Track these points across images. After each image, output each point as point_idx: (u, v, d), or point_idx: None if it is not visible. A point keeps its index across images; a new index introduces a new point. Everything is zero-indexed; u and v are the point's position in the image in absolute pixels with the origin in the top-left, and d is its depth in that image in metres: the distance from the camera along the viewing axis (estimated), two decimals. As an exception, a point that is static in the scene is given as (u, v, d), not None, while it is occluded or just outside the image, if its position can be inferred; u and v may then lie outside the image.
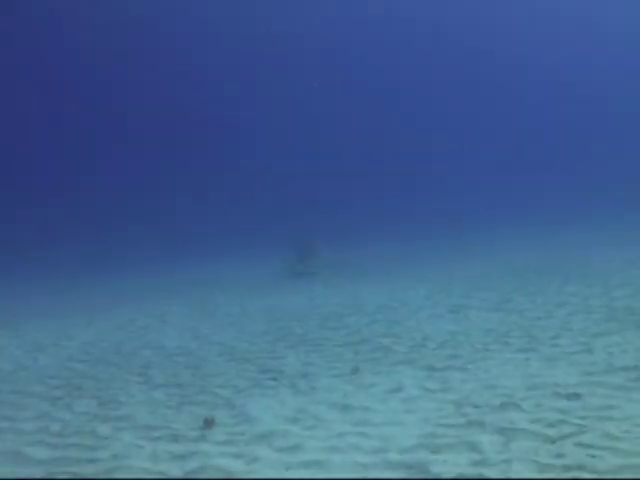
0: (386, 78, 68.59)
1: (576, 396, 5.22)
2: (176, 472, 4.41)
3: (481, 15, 67.77)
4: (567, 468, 3.92)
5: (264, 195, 50.51)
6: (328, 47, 65.47)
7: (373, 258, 22.61)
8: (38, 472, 4.59)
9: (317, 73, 65.01)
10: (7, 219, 42.13)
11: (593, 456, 4.03)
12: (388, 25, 68.01)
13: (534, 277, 12.85)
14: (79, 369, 8.14)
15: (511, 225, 29.16)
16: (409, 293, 12.44)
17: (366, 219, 37.87)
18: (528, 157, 56.23)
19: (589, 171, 45.94)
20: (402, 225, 34.28)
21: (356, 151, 61.42)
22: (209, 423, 5.26)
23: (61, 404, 6.44)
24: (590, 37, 67.99)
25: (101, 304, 16.20)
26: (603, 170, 44.86)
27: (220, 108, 64.04)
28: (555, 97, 66.11)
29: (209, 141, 61.76)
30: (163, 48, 61.12)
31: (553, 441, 4.36)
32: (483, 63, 68.99)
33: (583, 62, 67.24)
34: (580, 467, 3.91)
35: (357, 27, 65.78)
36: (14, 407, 6.45)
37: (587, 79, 66.73)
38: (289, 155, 59.01)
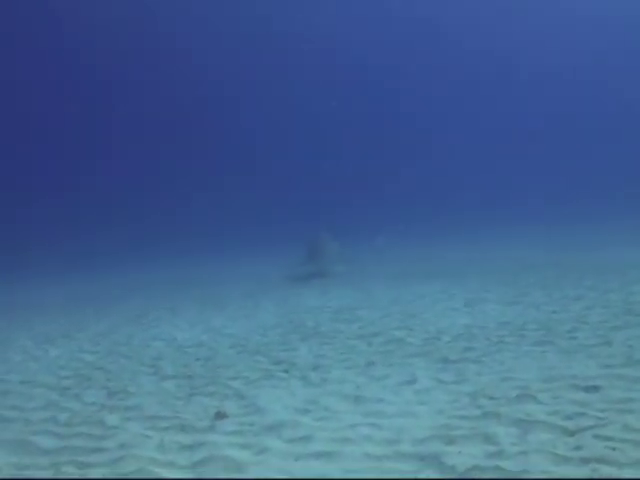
0: (389, 77, 68.44)
1: (595, 389, 5.07)
2: (184, 462, 4.30)
3: (481, 14, 67.60)
4: (586, 460, 3.79)
5: (279, 192, 50.50)
6: (329, 46, 65.34)
7: (386, 256, 22.51)
8: (44, 461, 4.50)
9: (319, 71, 65.05)
10: (19, 216, 42.36)
11: (613, 449, 3.89)
12: (388, 24, 67.84)
13: (550, 272, 12.69)
14: (89, 360, 8.06)
15: (527, 223, 28.92)
16: (423, 288, 12.30)
17: (378, 217, 37.71)
18: (540, 155, 55.84)
19: (603, 169, 45.54)
20: (416, 223, 34.11)
21: (364, 150, 61.35)
22: (220, 416, 5.15)
23: (70, 394, 6.36)
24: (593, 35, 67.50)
25: (112, 297, 16.16)
26: (616, 168, 44.46)
27: (227, 107, 64.06)
28: (564, 94, 65.63)
29: (218, 140, 61.81)
30: (164, 47, 61.20)
31: (571, 433, 4.22)
32: (485, 62, 68.75)
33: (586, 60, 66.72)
34: (599, 459, 3.77)
35: (357, 26, 65.65)
36: (22, 397, 6.38)
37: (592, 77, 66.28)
38: (298, 154, 59.01)
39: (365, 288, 13.21)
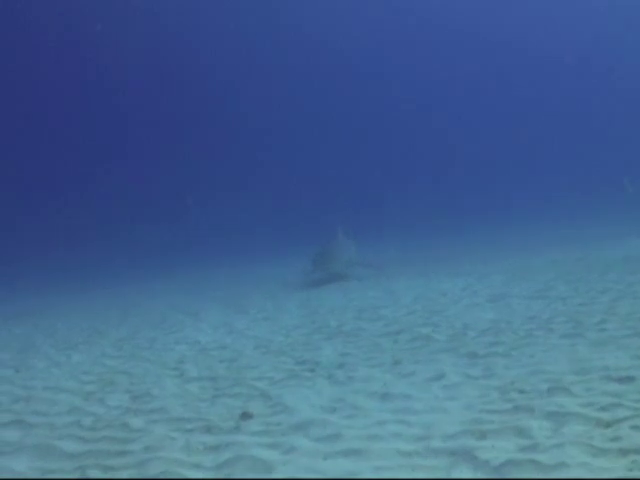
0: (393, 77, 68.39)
1: (629, 379, 4.94)
2: (210, 463, 4.23)
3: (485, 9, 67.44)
4: (624, 452, 3.67)
5: (297, 192, 50.43)
6: (337, 41, 65.28)
7: (407, 255, 22.40)
8: (69, 465, 4.44)
9: (326, 72, 65.17)
10: (38, 220, 42.58)
11: (652, 439, 3.77)
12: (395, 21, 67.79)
13: (573, 267, 12.52)
14: (112, 365, 8.02)
15: (547, 220, 28.65)
16: (446, 285, 12.19)
17: (396, 216, 37.59)
18: (553, 148, 55.44)
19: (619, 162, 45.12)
20: (434, 221, 33.94)
21: (381, 147, 61.33)
22: (246, 416, 5.07)
23: (93, 399, 6.30)
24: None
25: (134, 302, 16.16)
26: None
27: (239, 107, 64.03)
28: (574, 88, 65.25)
29: (233, 141, 61.89)
30: (173, 44, 61.30)
31: (607, 425, 4.10)
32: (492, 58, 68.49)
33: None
34: (638, 451, 3.66)
35: (368, 28, 65.72)
36: (46, 402, 6.33)
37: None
38: (313, 156, 59.00)
39: (387, 287, 13.11)
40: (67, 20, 56.42)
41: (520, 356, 6.10)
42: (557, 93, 64.28)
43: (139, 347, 9.14)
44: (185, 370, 7.19)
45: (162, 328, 10.85)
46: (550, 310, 8.15)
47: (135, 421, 5.31)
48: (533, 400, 4.73)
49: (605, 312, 7.62)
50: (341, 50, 65.22)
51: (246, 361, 7.34)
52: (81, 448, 4.78)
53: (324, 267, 16.16)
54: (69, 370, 7.96)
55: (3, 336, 12.08)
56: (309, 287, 15.05)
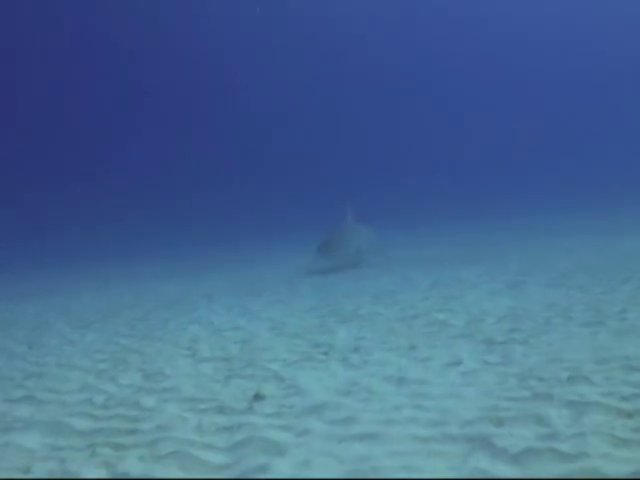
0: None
1: (651, 369, 4.83)
2: (222, 444, 4.15)
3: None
4: (647, 443, 3.57)
5: (316, 177, 50.46)
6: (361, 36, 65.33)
7: (422, 240, 22.28)
8: (79, 443, 4.38)
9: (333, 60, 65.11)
10: (50, 201, 42.71)
11: (676, 430, 3.66)
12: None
13: (593, 256, 12.36)
14: (125, 344, 7.97)
15: (565, 210, 28.41)
16: (462, 272, 12.07)
17: (415, 202, 37.45)
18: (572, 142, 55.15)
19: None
20: (454, 209, 33.76)
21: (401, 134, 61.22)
22: (259, 397, 5.00)
23: (106, 377, 6.25)
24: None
25: (148, 283, 16.14)
26: None
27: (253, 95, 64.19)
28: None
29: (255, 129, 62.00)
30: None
31: (629, 415, 3.99)
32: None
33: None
34: (662, 442, 3.55)
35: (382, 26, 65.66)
36: (58, 380, 6.29)
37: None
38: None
39: (402, 273, 13.01)
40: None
41: (539, 343, 5.99)
42: (591, 85, 63.98)
43: (152, 327, 9.09)
44: (198, 350, 7.13)
45: (176, 309, 10.80)
46: (569, 298, 8.02)
47: (147, 400, 5.25)
48: (552, 388, 4.62)
49: (626, 301, 7.49)
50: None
51: (260, 342, 7.27)
52: (92, 426, 4.72)
53: (330, 255, 14.90)
54: (82, 348, 7.92)
55: (17, 314, 12.08)
56: (324, 271, 14.96)
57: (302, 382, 5.38)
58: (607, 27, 67.46)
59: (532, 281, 9.75)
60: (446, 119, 65.24)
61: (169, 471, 3.81)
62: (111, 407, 5.18)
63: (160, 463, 3.93)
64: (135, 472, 3.81)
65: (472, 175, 49.10)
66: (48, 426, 4.75)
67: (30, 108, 58.20)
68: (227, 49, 64.84)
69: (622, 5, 65.75)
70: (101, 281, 18.40)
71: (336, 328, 7.66)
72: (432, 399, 4.67)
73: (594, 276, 9.63)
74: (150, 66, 62.61)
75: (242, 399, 5.07)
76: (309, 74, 65.96)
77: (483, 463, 3.56)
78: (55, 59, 59.20)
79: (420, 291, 10.02)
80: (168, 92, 62.50)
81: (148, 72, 62.89)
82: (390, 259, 16.06)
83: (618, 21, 66.35)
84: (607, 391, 4.45)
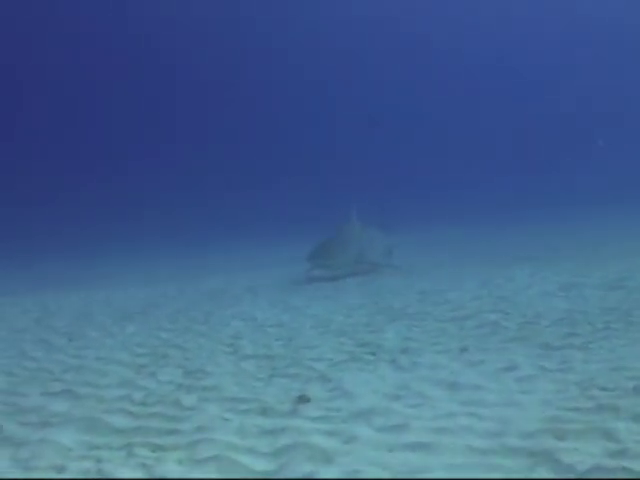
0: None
1: None
2: (265, 448, 3.92)
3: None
4: None
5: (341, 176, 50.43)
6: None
7: (470, 238, 21.94)
8: (116, 441, 4.19)
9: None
10: (98, 193, 43.13)
11: None
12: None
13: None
14: (165, 338, 7.82)
15: (621, 208, 27.72)
16: (512, 271, 11.71)
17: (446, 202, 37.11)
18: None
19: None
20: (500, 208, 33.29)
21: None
22: (304, 400, 4.75)
23: (145, 372, 6.08)
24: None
25: (191, 276, 16.07)
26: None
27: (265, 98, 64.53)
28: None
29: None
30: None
31: None
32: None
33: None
34: None
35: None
36: (97, 373, 6.14)
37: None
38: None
39: (450, 271, 12.71)
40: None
41: (599, 350, 5.65)
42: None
43: (194, 320, 8.94)
44: (240, 347, 6.93)
45: (218, 302, 10.65)
46: (630, 301, 7.61)
47: (187, 398, 5.05)
48: (618, 399, 4.30)
49: (691, 306, 7.10)
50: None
51: (304, 340, 7.05)
52: (130, 424, 4.54)
53: (322, 263, 13.00)
54: (122, 341, 7.78)
55: (60, 304, 12.05)
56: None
57: (349, 384, 5.12)
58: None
59: (587, 283, 9.35)
60: (477, 116, 64.90)
61: (208, 476, 3.61)
62: (150, 405, 4.99)
63: (199, 467, 3.72)
64: (173, 476, 3.61)
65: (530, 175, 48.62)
66: (85, 422, 4.58)
67: (66, 105, 59.25)
68: (235, 50, 65.66)
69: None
70: (147, 272, 18.40)
71: (384, 327, 7.40)
72: (487, 407, 4.39)
73: (653, 279, 9.22)
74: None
75: (286, 400, 4.83)
76: (331, 75, 66.54)
77: (548, 481, 3.28)
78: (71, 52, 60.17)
79: (469, 290, 9.71)
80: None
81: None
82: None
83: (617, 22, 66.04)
84: (678, 404, 4.13)
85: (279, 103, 65.71)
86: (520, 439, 3.77)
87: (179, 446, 4.04)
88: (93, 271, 19.40)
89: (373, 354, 6.13)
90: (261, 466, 3.69)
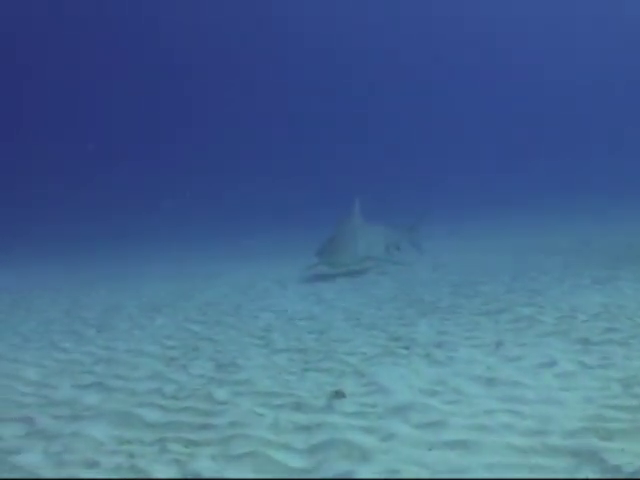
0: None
1: None
2: (300, 445, 3.84)
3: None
4: None
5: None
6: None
7: (497, 231, 21.71)
8: (149, 436, 4.13)
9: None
10: (128, 187, 43.39)
11: None
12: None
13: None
14: (195, 330, 7.77)
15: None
16: (545, 263, 11.55)
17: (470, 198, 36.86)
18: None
19: None
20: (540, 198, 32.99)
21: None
22: (339, 395, 4.65)
23: (176, 365, 6.02)
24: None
25: (220, 268, 16.03)
26: None
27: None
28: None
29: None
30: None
31: None
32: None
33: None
34: None
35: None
36: (127, 366, 6.09)
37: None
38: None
39: (480, 261, 12.56)
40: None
41: (640, 345, 5.50)
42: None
43: (224, 313, 8.88)
44: (272, 340, 6.85)
45: (248, 294, 10.60)
46: (670, 296, 7.45)
47: (220, 392, 4.97)
48: (664, 397, 4.17)
49: None
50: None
51: (336, 333, 6.95)
52: (162, 418, 4.47)
53: (328, 260, 12.48)
54: (152, 333, 7.75)
55: (91, 296, 12.07)
56: (397, 261, 14.58)
57: (384, 379, 5.02)
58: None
59: (623, 276, 9.17)
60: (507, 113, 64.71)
61: (243, 473, 3.53)
62: (182, 398, 4.92)
63: (234, 464, 3.64)
64: (207, 473, 3.53)
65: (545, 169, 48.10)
66: (117, 416, 4.53)
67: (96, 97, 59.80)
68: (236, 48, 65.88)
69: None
70: (174, 265, 18.41)
71: (416, 320, 7.28)
72: (527, 404, 4.26)
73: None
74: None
75: (320, 395, 4.74)
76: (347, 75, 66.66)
77: (594, 482, 3.16)
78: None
79: (503, 282, 9.57)
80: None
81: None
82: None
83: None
84: None
85: (279, 103, 65.92)
86: (562, 438, 3.66)
87: (212, 442, 3.97)
88: (114, 269, 19.41)
89: (407, 348, 6.02)
90: (297, 463, 3.60)
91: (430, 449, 3.64)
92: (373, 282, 11.01)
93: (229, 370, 5.70)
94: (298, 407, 4.51)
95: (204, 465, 3.63)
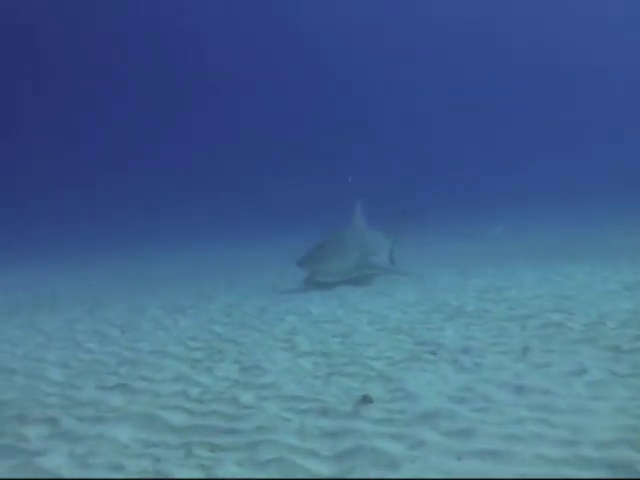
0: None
1: None
2: (327, 451, 3.79)
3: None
4: None
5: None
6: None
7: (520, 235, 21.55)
8: (174, 440, 4.09)
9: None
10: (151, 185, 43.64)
11: None
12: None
13: None
14: (220, 332, 7.74)
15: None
16: (570, 269, 11.41)
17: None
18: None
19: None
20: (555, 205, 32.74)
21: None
22: (367, 401, 4.59)
23: (201, 367, 5.99)
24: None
25: (244, 270, 16.02)
26: None
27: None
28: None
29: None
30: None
31: None
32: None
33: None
34: None
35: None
36: (152, 368, 6.07)
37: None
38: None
39: (507, 267, 12.43)
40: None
41: (672, 354, 5.39)
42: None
43: (248, 315, 8.85)
44: (297, 343, 6.80)
45: (271, 296, 10.55)
46: (701, 303, 7.32)
47: (245, 396, 4.93)
48: (700, 409, 4.07)
49: None
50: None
51: (361, 337, 6.89)
52: (187, 421, 4.44)
53: (313, 268, 11.73)
54: (176, 334, 7.73)
55: (112, 295, 12.08)
56: (423, 265, 14.49)
57: (411, 384, 4.95)
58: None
59: (650, 281, 9.05)
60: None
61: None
62: (207, 402, 4.89)
63: (260, 470, 3.60)
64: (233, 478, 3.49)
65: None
66: (141, 419, 4.51)
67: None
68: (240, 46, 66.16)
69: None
70: (200, 266, 18.44)
71: (442, 325, 7.20)
72: (558, 413, 4.18)
73: None
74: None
75: (346, 400, 4.68)
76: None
77: (630, 497, 3.08)
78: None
79: (528, 288, 9.46)
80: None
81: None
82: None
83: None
84: None
85: (279, 103, 66.21)
86: (595, 449, 3.57)
87: (238, 446, 3.93)
88: (134, 269, 19.48)
89: (433, 353, 5.94)
90: (324, 471, 3.55)
91: (459, 458, 3.57)
92: (397, 286, 10.93)
93: (254, 373, 5.66)
94: (324, 412, 4.45)
95: (230, 470, 3.59)
